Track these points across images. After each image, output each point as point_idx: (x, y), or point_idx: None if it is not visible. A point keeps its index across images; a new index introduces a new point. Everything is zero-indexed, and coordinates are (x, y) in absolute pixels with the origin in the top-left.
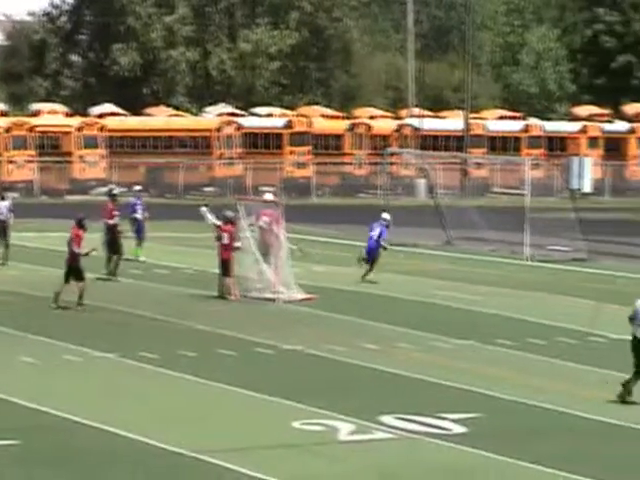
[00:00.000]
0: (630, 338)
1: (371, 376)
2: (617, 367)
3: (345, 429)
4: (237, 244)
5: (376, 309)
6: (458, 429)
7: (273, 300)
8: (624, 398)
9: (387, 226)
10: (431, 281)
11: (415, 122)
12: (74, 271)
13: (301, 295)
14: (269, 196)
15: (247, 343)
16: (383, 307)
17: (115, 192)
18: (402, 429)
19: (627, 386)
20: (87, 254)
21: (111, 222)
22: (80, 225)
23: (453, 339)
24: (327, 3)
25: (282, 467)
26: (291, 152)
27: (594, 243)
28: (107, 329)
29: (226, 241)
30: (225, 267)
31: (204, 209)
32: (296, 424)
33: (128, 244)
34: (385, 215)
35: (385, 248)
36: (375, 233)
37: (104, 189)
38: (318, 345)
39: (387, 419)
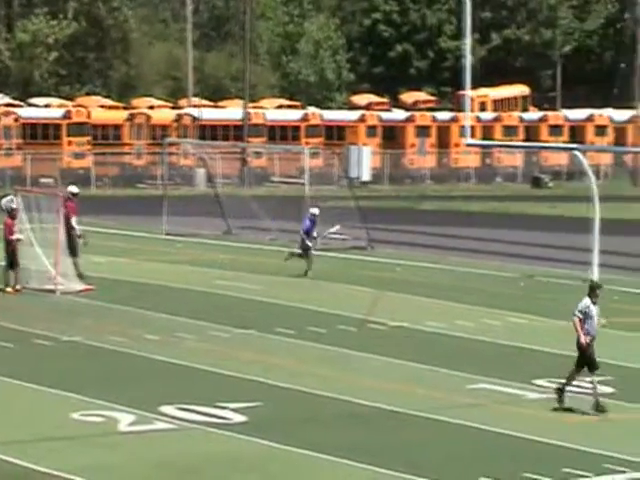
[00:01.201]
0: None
1: (151, 366)
2: (395, 354)
3: (125, 420)
4: (17, 236)
5: (156, 299)
6: (238, 418)
7: (53, 291)
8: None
9: (313, 220)
10: (211, 271)
11: (194, 112)
12: None
13: (80, 286)
14: (73, 188)
15: (26, 335)
16: (163, 297)
17: None
18: (182, 419)
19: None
20: None
21: None
22: None
23: (233, 329)
24: None
25: (62, 459)
26: (70, 143)
27: (373, 231)
28: None
29: (6, 234)
30: (8, 260)
31: (6, 199)
32: (75, 415)
33: None
34: (313, 210)
35: (307, 243)
36: (302, 228)
37: None
38: (97, 336)
39: (167, 409)
